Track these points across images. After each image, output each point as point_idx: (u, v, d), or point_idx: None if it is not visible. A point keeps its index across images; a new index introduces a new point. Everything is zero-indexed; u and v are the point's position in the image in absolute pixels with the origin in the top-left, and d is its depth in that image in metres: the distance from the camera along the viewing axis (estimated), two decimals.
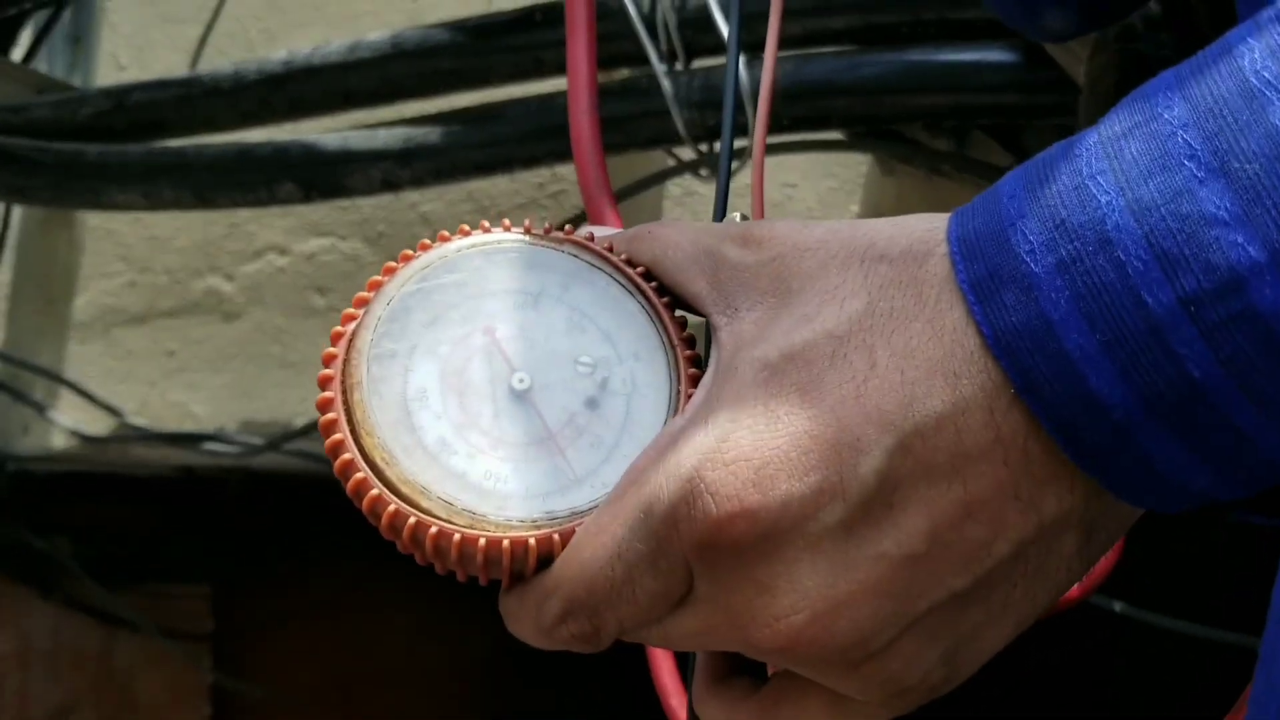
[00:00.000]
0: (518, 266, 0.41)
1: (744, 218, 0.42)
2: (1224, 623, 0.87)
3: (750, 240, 0.37)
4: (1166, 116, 0.32)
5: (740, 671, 0.38)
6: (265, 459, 1.19)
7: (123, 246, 1.29)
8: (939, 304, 0.34)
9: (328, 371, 0.38)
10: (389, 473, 0.38)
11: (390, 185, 0.95)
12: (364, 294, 0.40)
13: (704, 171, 0.90)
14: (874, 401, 0.33)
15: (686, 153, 0.91)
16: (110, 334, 1.28)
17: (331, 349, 0.39)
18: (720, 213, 0.44)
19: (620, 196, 0.92)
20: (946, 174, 0.88)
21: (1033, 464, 0.33)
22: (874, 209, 0.93)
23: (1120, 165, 0.32)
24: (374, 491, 0.37)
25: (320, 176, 0.96)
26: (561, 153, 0.96)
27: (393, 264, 0.40)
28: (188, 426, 1.22)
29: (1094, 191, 0.32)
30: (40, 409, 1.31)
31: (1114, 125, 0.33)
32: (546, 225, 0.42)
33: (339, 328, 0.39)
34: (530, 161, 0.95)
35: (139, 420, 1.24)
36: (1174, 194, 0.31)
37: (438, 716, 1.68)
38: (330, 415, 0.38)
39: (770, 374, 0.34)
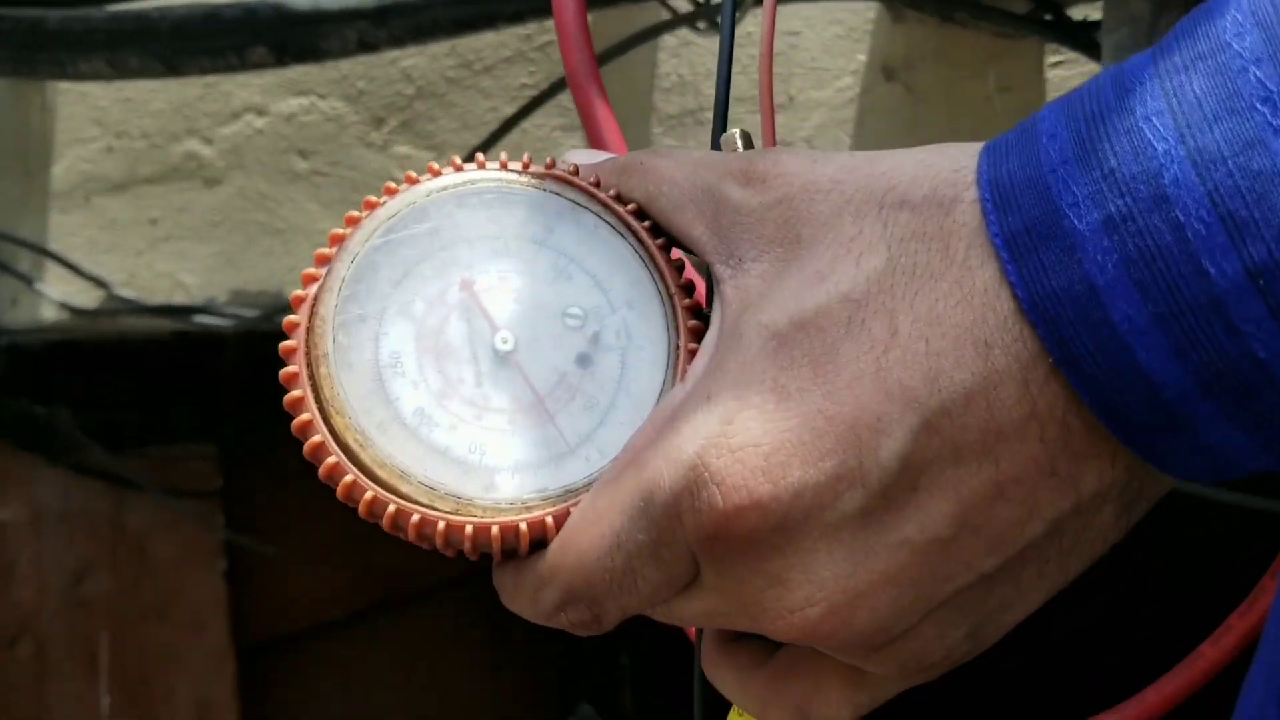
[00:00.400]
0: (495, 209, 0.36)
1: (745, 135, 0.38)
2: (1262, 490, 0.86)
3: (754, 177, 0.33)
4: (1236, 47, 0.27)
5: (751, 635, 0.36)
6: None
7: (97, 110, 1.24)
8: (968, 261, 0.29)
9: (289, 342, 0.35)
10: (363, 455, 0.34)
11: (367, 46, 0.90)
12: (324, 250, 0.36)
13: (701, 25, 0.85)
14: (895, 376, 0.30)
15: (682, 3, 0.85)
16: (91, 203, 1.24)
17: (292, 316, 0.35)
18: (720, 123, 0.40)
19: (611, 54, 0.87)
20: (960, 21, 0.83)
21: (1072, 438, 0.29)
22: (881, 57, 0.88)
23: (1181, 106, 0.27)
24: (348, 478, 0.34)
25: (293, 39, 0.91)
26: (549, 7, 0.90)
27: (355, 213, 0.36)
28: (177, 296, 1.20)
29: (1149, 137, 0.27)
30: (28, 281, 1.28)
31: (1174, 54, 0.28)
32: (525, 159, 0.38)
33: (299, 291, 0.35)
34: (515, 17, 0.90)
35: (127, 291, 1.21)
36: (1244, 144, 0.26)
37: (452, 567, 1.70)
38: (296, 393, 0.34)
39: (779, 344, 0.31)
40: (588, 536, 0.33)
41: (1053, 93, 0.85)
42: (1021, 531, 0.31)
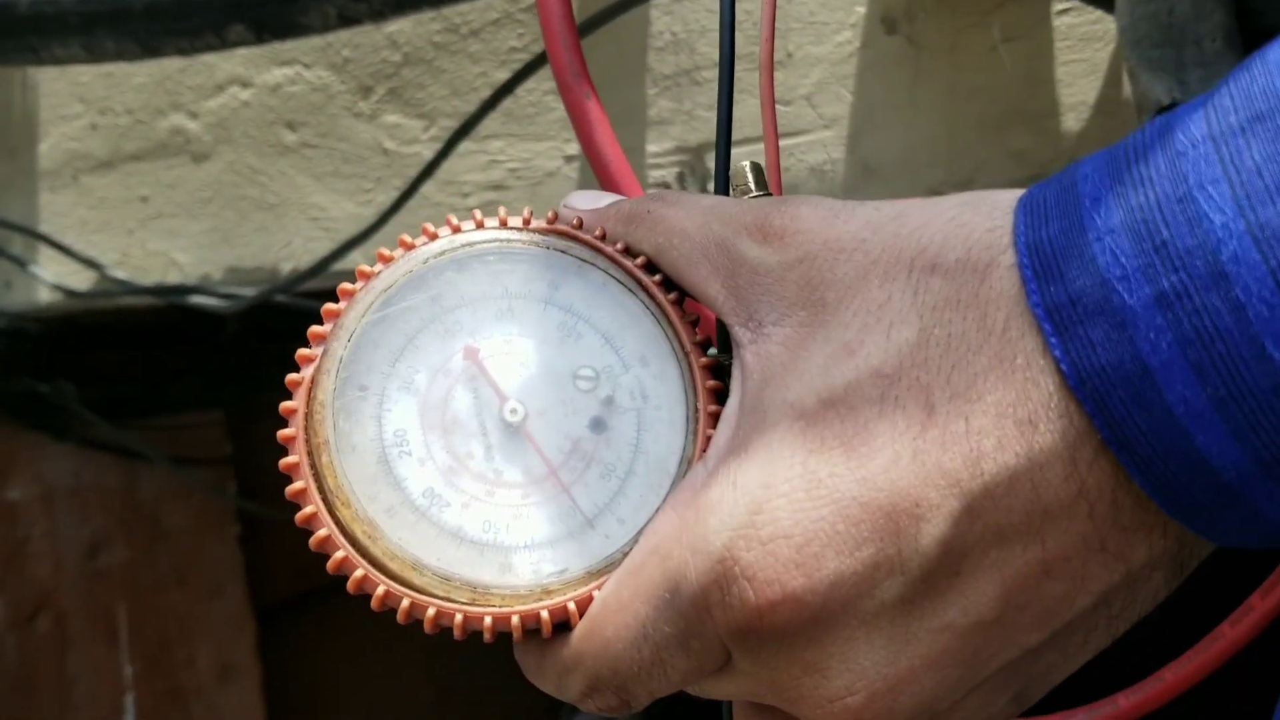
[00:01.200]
0: (497, 270, 0.35)
1: (756, 167, 0.36)
2: None
3: (771, 233, 0.31)
4: None
5: None
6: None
7: (78, 86, 1.21)
8: (1007, 332, 0.28)
9: (288, 430, 0.33)
10: (374, 548, 0.33)
11: (348, 20, 0.87)
12: (318, 328, 0.34)
13: None
14: (934, 458, 0.28)
15: None
16: (80, 181, 1.22)
17: (289, 402, 0.33)
18: (723, 168, 0.38)
19: (603, 16, 0.84)
20: None
21: (1121, 514, 0.28)
22: (881, 8, 0.85)
23: (1239, 174, 0.25)
24: (358, 573, 0.33)
25: (271, 16, 0.88)
26: None
27: (349, 285, 0.34)
28: (171, 275, 1.18)
29: (1205, 208, 0.25)
30: (21, 264, 1.26)
31: (1229, 113, 0.26)
32: (526, 214, 0.36)
33: (294, 375, 0.34)
34: None
35: (120, 271, 1.20)
36: None
37: None
38: (298, 484, 0.33)
39: (807, 424, 0.29)
40: (613, 627, 0.31)
41: (1060, 41, 0.82)
42: (1070, 606, 0.29)
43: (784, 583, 0.29)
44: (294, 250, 1.10)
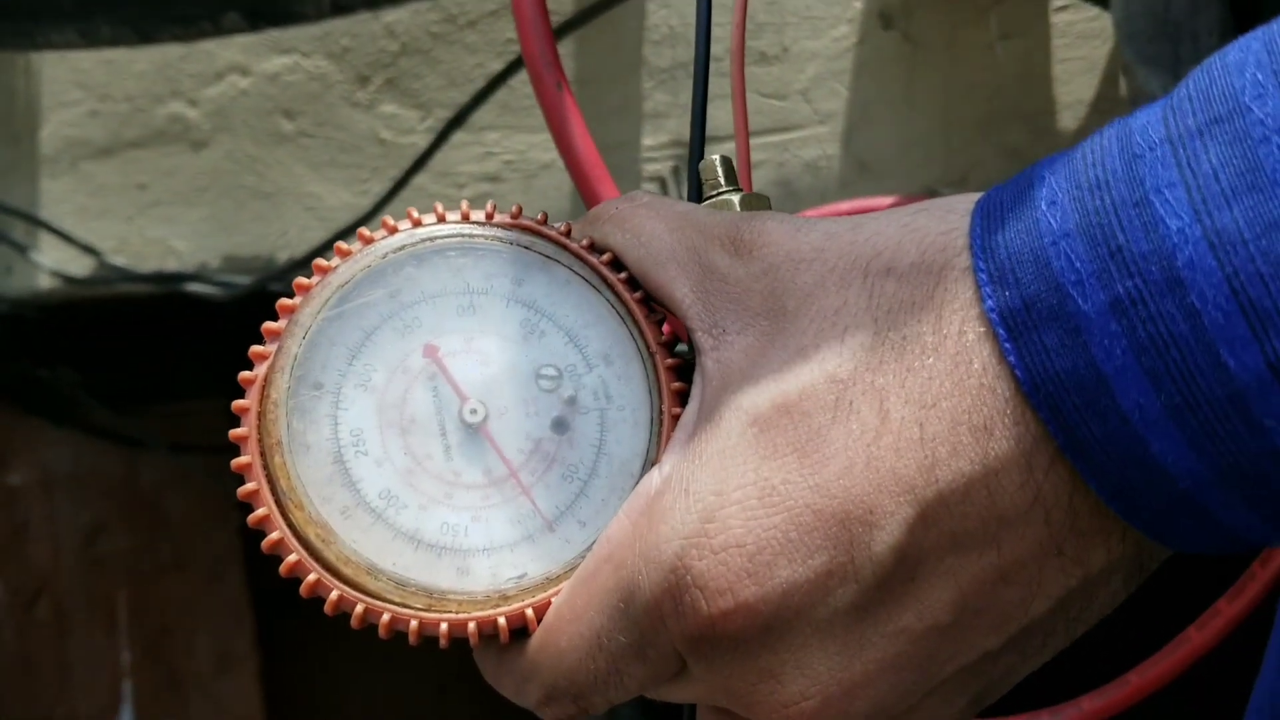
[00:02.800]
0: (458, 266, 0.34)
1: (725, 161, 0.35)
2: None
3: (742, 246, 0.31)
4: (1257, 112, 0.24)
5: None
6: None
7: (78, 73, 1.21)
8: (962, 337, 0.27)
9: (240, 430, 0.33)
10: (327, 552, 0.32)
11: (341, 8, 0.87)
12: (272, 325, 0.33)
13: None
14: (888, 464, 0.28)
15: None
16: (79, 168, 1.22)
17: (242, 400, 0.33)
18: (695, 164, 0.37)
19: (599, 8, 0.83)
20: None
21: (1078, 520, 0.28)
22: (879, 4, 0.84)
23: (1196, 179, 0.24)
24: (312, 577, 0.32)
25: (265, 3, 0.88)
26: None
27: (305, 280, 0.34)
28: (169, 262, 1.18)
29: (1161, 212, 0.25)
30: (21, 249, 1.26)
31: (1187, 115, 0.25)
32: (489, 207, 0.35)
33: (246, 373, 0.33)
34: None
35: (119, 258, 1.20)
36: (1266, 226, 0.24)
37: None
38: (250, 485, 0.32)
39: (760, 430, 0.29)
40: (567, 637, 0.31)
41: (1057, 39, 0.82)
42: (1027, 611, 0.29)
43: (736, 592, 0.29)
44: (290, 239, 1.10)
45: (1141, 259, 0.25)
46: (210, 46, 1.12)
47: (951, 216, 0.28)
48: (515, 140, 0.98)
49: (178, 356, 1.57)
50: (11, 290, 1.30)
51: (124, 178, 1.19)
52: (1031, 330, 0.26)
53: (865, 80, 0.86)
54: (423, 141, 0.99)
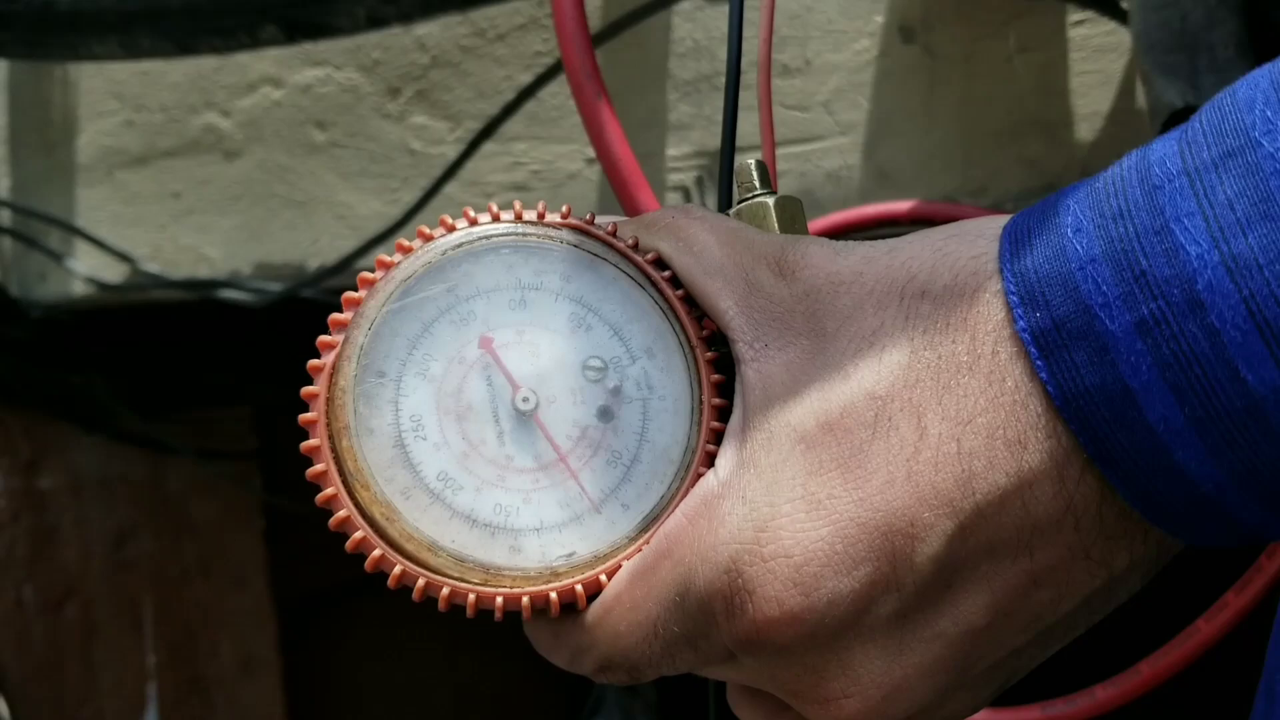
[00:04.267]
0: (511, 262, 0.36)
1: (760, 165, 0.37)
2: None
3: (786, 267, 0.33)
4: (1268, 147, 0.26)
5: None
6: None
7: (115, 84, 1.24)
8: (996, 356, 0.29)
9: (309, 415, 0.35)
10: (391, 529, 0.34)
11: (376, 22, 0.90)
12: (339, 315, 0.35)
13: None
14: (928, 479, 0.29)
15: None
16: (114, 177, 1.25)
17: (311, 387, 0.35)
18: (727, 170, 0.39)
19: (625, 21, 0.85)
20: None
21: (1106, 525, 0.30)
22: (899, 18, 0.86)
23: (1213, 209, 0.26)
24: (376, 552, 0.34)
25: (302, 17, 0.90)
26: None
27: (369, 274, 0.36)
28: (202, 270, 1.20)
29: (1181, 240, 0.27)
30: (56, 257, 1.29)
31: (1202, 149, 0.27)
32: (540, 208, 0.37)
33: (315, 361, 0.35)
34: None
35: (152, 265, 1.22)
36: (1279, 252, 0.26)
37: None
38: (319, 467, 0.34)
39: (807, 447, 0.31)
40: (626, 623, 0.33)
41: (1075, 53, 0.83)
42: (1056, 610, 0.31)
43: (782, 601, 0.30)
44: (321, 247, 1.12)
45: (1164, 283, 0.27)
46: (244, 59, 1.14)
47: (981, 242, 0.30)
48: (542, 150, 1.00)
49: (207, 363, 1.60)
50: (46, 296, 1.33)
51: (158, 186, 1.21)
52: (1062, 349, 0.28)
53: (886, 92, 0.88)
54: (452, 152, 1.01)
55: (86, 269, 1.27)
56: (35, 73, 1.30)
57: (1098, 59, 0.82)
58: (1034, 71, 0.84)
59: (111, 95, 1.25)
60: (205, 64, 1.17)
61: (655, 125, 0.96)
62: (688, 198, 0.94)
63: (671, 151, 0.95)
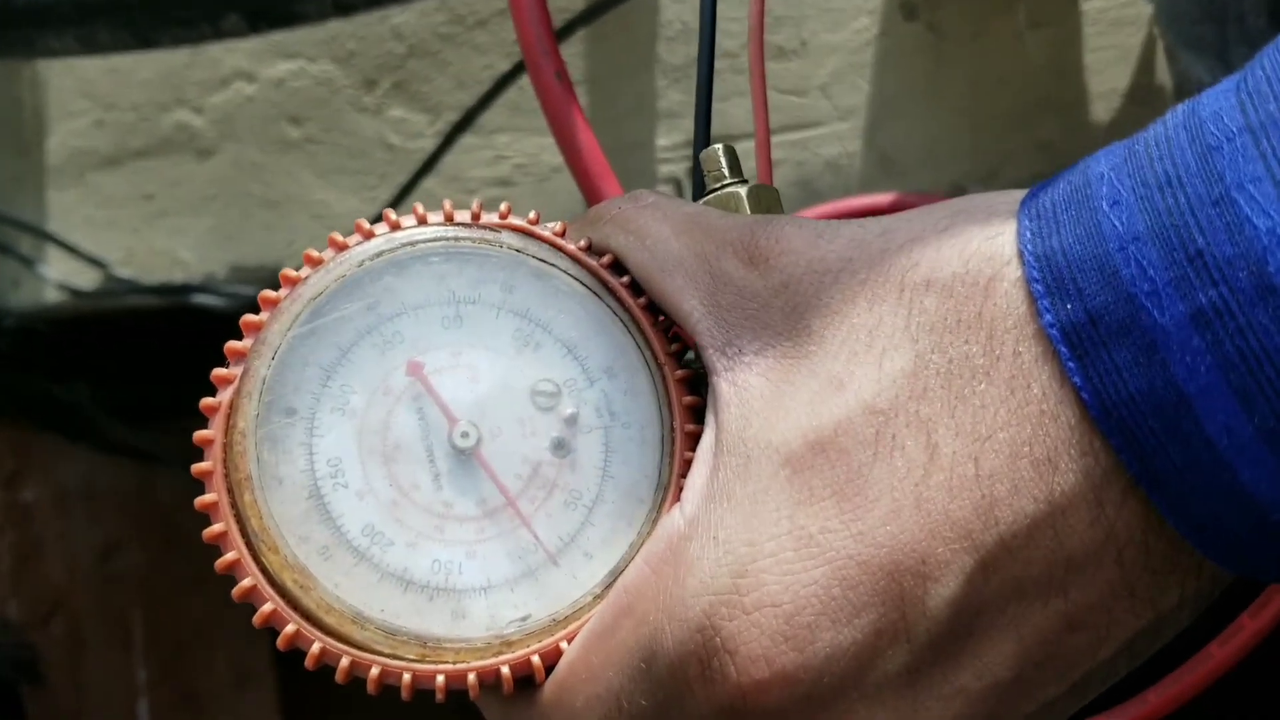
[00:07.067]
0: (442, 273, 0.31)
1: (729, 150, 0.32)
2: None
3: (757, 254, 0.28)
4: None
5: None
6: None
7: (84, 82, 1.19)
8: (1018, 358, 0.24)
9: (203, 465, 0.30)
10: (307, 599, 0.29)
11: (344, 8, 0.85)
12: (236, 344, 0.30)
13: None
14: (940, 506, 0.25)
15: None
16: (85, 179, 1.20)
17: (204, 431, 0.30)
18: (702, 140, 0.34)
19: (611, 2, 0.80)
20: None
21: (1152, 558, 0.25)
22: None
23: None
24: (290, 628, 0.29)
25: (265, 5, 0.85)
26: None
27: (271, 293, 0.31)
28: (176, 273, 1.15)
29: (1247, 211, 0.22)
30: (28, 263, 1.24)
31: (1268, 100, 0.22)
32: (475, 207, 0.32)
33: (209, 399, 0.30)
34: None
35: (126, 270, 1.18)
36: None
37: None
38: (217, 527, 0.29)
39: (793, 471, 0.25)
40: (583, 698, 0.28)
41: (1089, 27, 0.78)
42: (1093, 657, 0.26)
43: (771, 659, 0.26)
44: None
45: (1226, 264, 0.22)
46: (215, 53, 1.09)
47: (994, 220, 0.25)
48: (526, 143, 0.96)
49: (190, 370, 1.55)
50: (20, 304, 1.29)
51: (131, 188, 1.17)
52: (1099, 347, 0.24)
53: (888, 74, 0.83)
54: (432, 146, 0.97)
55: (59, 275, 1.22)
56: (4, 74, 1.26)
57: (1114, 33, 0.77)
58: (1046, 48, 0.79)
59: (81, 95, 1.20)
60: (176, 60, 1.12)
61: (644, 113, 0.91)
62: (679, 190, 0.89)
63: (662, 141, 0.90)
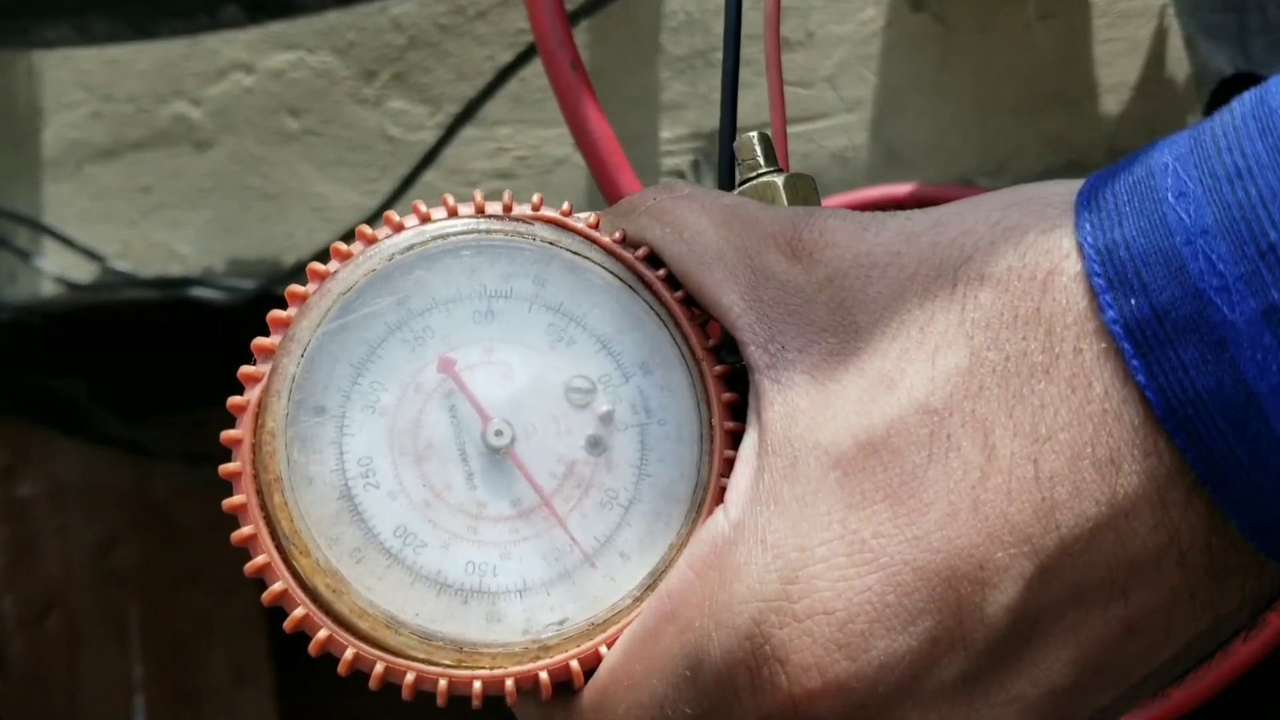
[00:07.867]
0: (473, 266, 0.30)
1: (764, 138, 0.31)
2: None
3: (801, 248, 0.27)
4: None
5: None
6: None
7: (81, 74, 1.18)
8: (1080, 356, 0.24)
9: (232, 466, 0.29)
10: (339, 604, 0.28)
11: None
12: (264, 341, 0.29)
13: None
14: (998, 509, 0.24)
15: None
16: (82, 171, 1.19)
17: (232, 431, 0.29)
18: (727, 144, 0.33)
19: (603, 1, 0.79)
20: None
21: (1214, 560, 0.24)
22: None
23: None
24: (322, 634, 0.28)
25: None
26: None
27: (299, 288, 0.30)
28: (173, 267, 1.14)
29: None
30: (25, 256, 1.23)
31: None
32: (506, 199, 0.31)
33: (236, 398, 0.29)
34: None
35: (122, 263, 1.17)
36: None
37: None
38: (246, 530, 0.28)
39: (844, 473, 0.25)
40: (625, 705, 0.27)
41: (1099, 19, 0.77)
42: (1151, 661, 0.26)
43: (824, 668, 0.25)
44: (296, 241, 1.07)
45: None
46: (213, 44, 1.08)
47: (1050, 212, 0.24)
48: (528, 135, 0.95)
49: (187, 364, 1.54)
50: (16, 298, 1.28)
51: (127, 180, 1.16)
52: (1165, 345, 0.23)
53: (895, 65, 0.82)
54: (432, 138, 0.96)
55: (56, 269, 1.21)
56: (0, 64, 1.25)
57: (1124, 25, 0.76)
58: (1055, 40, 0.78)
59: (78, 86, 1.19)
60: (173, 50, 1.11)
61: (647, 106, 0.90)
62: None
63: (665, 134, 0.90)
